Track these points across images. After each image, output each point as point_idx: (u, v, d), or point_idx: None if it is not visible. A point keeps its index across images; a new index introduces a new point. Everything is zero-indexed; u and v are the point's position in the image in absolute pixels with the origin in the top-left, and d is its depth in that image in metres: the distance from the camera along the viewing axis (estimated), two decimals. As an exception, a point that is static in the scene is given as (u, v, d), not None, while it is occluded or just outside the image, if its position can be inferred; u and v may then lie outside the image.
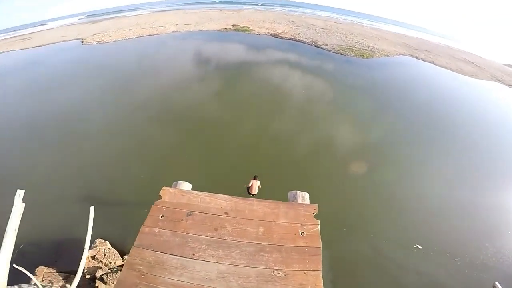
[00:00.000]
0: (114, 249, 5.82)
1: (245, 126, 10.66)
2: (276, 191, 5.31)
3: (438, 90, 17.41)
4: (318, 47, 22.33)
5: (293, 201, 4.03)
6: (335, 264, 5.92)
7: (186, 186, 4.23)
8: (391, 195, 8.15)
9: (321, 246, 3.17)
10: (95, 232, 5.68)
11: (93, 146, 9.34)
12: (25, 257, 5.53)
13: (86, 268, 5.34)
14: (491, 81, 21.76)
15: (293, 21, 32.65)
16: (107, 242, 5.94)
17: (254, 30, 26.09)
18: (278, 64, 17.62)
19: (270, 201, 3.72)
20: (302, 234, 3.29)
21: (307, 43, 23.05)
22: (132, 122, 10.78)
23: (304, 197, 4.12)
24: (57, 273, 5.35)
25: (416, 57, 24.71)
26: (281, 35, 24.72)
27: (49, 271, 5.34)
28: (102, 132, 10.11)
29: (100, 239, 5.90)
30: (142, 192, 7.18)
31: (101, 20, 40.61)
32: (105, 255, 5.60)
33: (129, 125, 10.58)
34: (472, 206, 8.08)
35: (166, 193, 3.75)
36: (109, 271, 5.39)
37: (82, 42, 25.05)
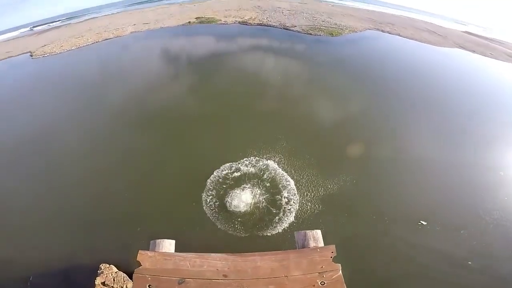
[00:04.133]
0: (122, 272, 5.52)
1: (229, 120, 10.26)
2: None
3: (409, 60, 17.91)
4: (287, 29, 21.99)
5: (303, 245, 3.42)
6: (341, 250, 5.78)
7: (167, 244, 3.50)
8: (385, 173, 8.05)
9: None
10: (96, 257, 5.75)
11: (73, 167, 8.79)
12: (37, 291, 5.51)
13: (102, 296, 5.11)
14: (455, 48, 22.85)
15: (259, 6, 31.77)
16: (112, 266, 5.61)
17: (220, 20, 25.00)
18: (251, 51, 17.14)
19: (276, 252, 3.18)
20: (323, 283, 2.86)
21: (276, 27, 22.64)
22: (109, 134, 10.06)
23: (315, 236, 3.46)
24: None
25: (382, 31, 25.10)
26: (249, 22, 23.97)
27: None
28: (80, 151, 9.42)
29: (104, 264, 5.57)
30: (129, 209, 7.07)
31: (48, 30, 36.86)
32: (114, 279, 5.33)
33: (106, 138, 9.87)
34: (468, 173, 8.12)
35: (145, 258, 3.08)
36: (124, 295, 5.13)
37: (31, 55, 22.66)
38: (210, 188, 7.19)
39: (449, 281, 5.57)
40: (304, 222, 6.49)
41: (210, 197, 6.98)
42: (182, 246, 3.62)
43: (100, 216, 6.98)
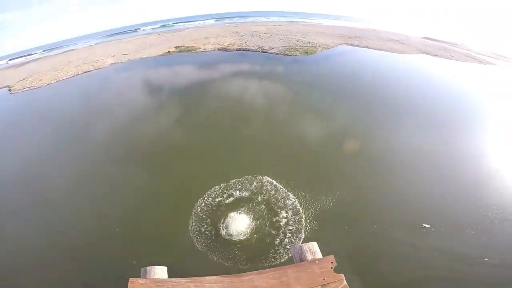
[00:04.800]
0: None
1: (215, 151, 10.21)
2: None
3: (380, 69, 19.20)
4: (265, 52, 23.11)
5: (300, 259, 3.32)
6: (346, 261, 5.46)
7: (159, 271, 3.39)
8: (380, 182, 8.11)
9: None
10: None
11: (61, 204, 8.55)
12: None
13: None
14: (418, 54, 24.96)
15: (237, 32, 33.35)
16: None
17: (200, 48, 25.81)
18: (233, 77, 17.67)
19: (274, 269, 3.08)
20: None
21: (255, 51, 23.72)
22: (95, 169, 9.84)
23: (312, 249, 3.39)
24: None
25: (352, 45, 27.00)
26: (229, 48, 24.95)
27: None
28: (67, 187, 9.16)
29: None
30: (123, 243, 6.94)
31: (26, 63, 36.33)
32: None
33: (92, 174, 9.64)
34: (463, 172, 8.29)
35: (137, 286, 3.02)
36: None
37: (9, 90, 22.28)
38: (204, 218, 7.32)
39: (471, 280, 5.47)
40: (305, 236, 6.51)
41: (205, 225, 7.10)
42: (175, 274, 3.51)
43: (94, 252, 6.77)
